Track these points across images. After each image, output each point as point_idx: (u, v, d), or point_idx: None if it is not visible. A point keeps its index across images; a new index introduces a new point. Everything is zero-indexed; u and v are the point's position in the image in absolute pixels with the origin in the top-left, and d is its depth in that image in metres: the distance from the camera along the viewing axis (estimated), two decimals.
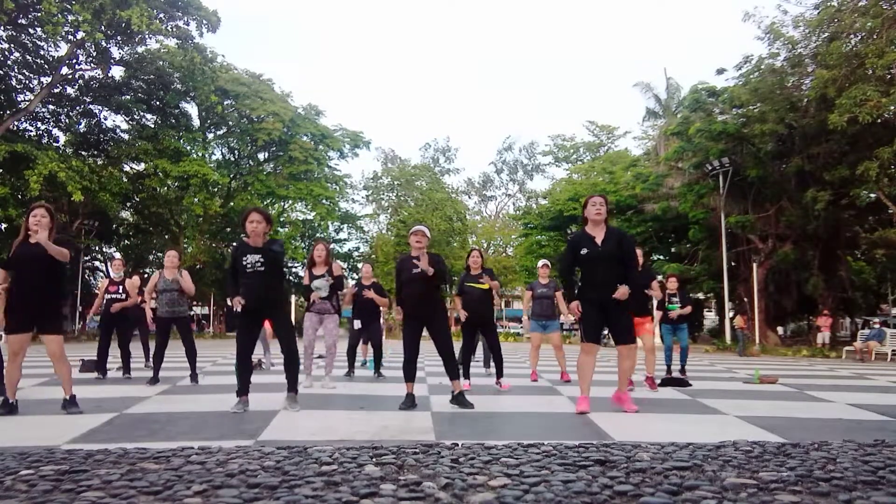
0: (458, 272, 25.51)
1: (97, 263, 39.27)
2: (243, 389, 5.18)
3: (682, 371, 9.26)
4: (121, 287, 8.33)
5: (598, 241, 5.17)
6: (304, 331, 7.38)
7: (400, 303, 5.65)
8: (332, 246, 38.85)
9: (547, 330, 8.23)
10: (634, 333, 5.52)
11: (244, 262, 5.13)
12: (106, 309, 8.31)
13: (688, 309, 8.84)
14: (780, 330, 29.40)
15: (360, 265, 26.21)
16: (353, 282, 8.23)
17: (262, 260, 5.13)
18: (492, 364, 9.70)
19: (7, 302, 5.01)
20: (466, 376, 7.20)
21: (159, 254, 41.13)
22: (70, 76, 29.27)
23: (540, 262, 8.64)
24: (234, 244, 6.18)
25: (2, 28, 25.46)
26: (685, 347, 9.55)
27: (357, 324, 8.63)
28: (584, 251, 5.15)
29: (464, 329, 7.40)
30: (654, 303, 8.55)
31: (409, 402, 5.36)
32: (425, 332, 5.62)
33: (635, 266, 5.45)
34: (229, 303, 5.33)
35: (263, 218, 5.23)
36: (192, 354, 7.60)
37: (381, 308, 8.78)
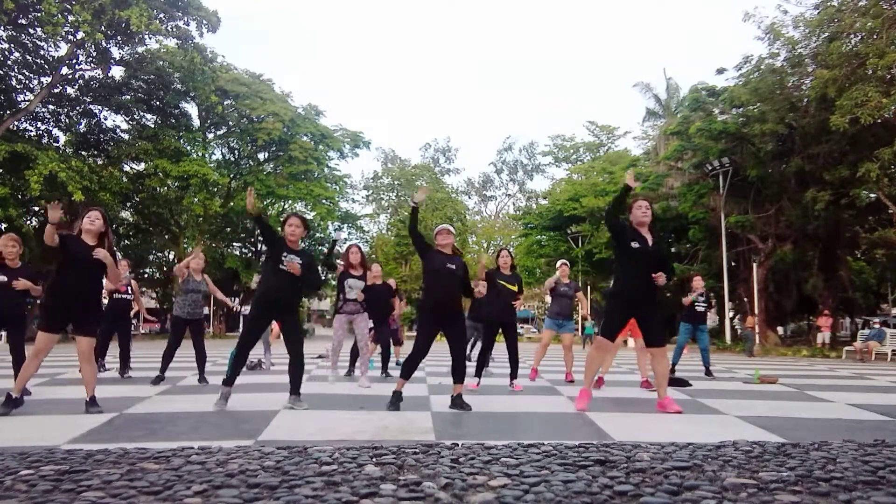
0: None
1: None
2: (230, 379, 5.25)
3: (708, 371, 9.35)
4: (129, 288, 8.34)
5: (650, 241, 5.30)
6: (333, 331, 7.59)
7: (427, 295, 5.51)
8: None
9: (562, 329, 8.29)
10: (664, 335, 5.53)
11: (282, 257, 5.24)
12: (110, 307, 8.31)
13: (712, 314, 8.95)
14: (780, 330, 29.36)
15: None
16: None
17: (297, 262, 5.24)
18: (490, 365, 9.74)
19: (46, 299, 5.01)
20: (479, 375, 7.28)
21: (159, 254, 41.12)
22: (70, 76, 29.24)
23: (559, 262, 8.65)
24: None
25: (2, 28, 25.43)
26: (706, 348, 9.67)
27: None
28: (636, 244, 5.22)
29: (486, 328, 7.43)
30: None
31: (396, 400, 5.22)
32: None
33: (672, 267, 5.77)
34: (245, 303, 5.47)
35: (302, 223, 5.48)
36: (201, 358, 7.62)
37: (392, 308, 8.98)
